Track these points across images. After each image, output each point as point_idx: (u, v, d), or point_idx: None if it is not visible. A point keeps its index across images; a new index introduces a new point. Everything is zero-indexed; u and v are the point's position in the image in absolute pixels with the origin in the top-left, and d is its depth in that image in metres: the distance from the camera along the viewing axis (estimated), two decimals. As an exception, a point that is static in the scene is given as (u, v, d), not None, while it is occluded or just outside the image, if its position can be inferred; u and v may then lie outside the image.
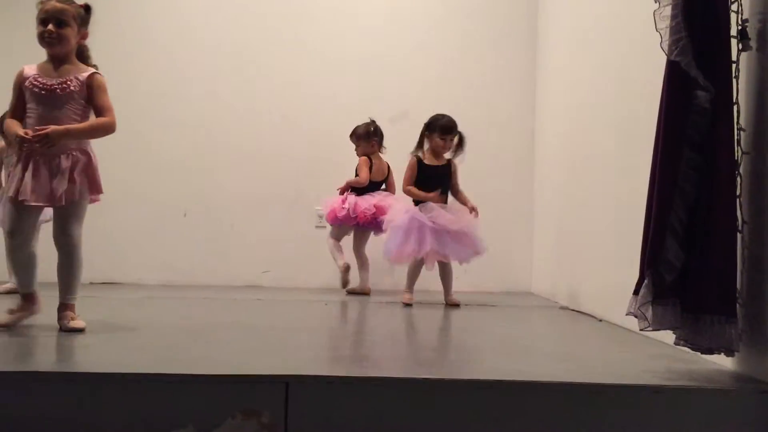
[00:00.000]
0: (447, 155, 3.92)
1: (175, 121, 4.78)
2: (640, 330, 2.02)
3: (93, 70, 2.67)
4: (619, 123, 3.13)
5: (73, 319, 2.61)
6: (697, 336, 1.95)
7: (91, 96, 2.64)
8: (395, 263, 3.96)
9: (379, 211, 4.19)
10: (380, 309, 3.69)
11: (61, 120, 2.56)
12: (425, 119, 3.98)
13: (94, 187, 2.65)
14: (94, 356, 2.18)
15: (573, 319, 3.36)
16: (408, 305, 3.77)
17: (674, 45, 1.97)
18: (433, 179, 3.84)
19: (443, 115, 3.87)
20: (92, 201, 2.67)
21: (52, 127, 2.49)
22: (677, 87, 1.98)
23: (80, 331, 2.55)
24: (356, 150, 4.39)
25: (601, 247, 3.34)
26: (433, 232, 3.70)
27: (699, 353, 2.02)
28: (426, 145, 3.89)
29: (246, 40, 4.86)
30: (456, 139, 3.86)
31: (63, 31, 2.60)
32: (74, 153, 2.59)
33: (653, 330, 2.00)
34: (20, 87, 2.61)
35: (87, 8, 2.69)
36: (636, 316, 2.01)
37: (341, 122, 4.77)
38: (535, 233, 4.78)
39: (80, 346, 2.32)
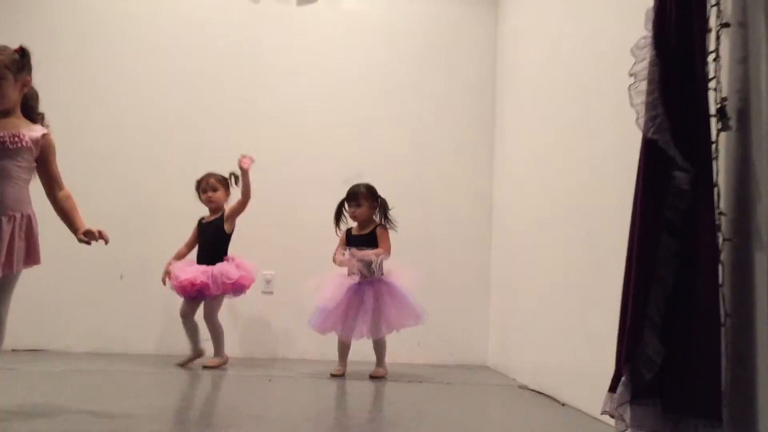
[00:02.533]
0: (375, 221, 3.92)
1: (113, 178, 4.51)
2: (617, 433, 1.82)
3: (44, 129, 2.43)
4: (584, 190, 3.00)
5: None
6: (679, 441, 1.77)
7: (45, 159, 2.42)
8: (320, 334, 3.83)
9: (202, 284, 3.79)
10: (321, 386, 3.43)
11: (10, 174, 2.30)
12: (383, 187, 3.95)
13: (32, 256, 2.38)
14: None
15: (533, 402, 3.16)
16: (336, 376, 3.70)
17: (651, 122, 1.84)
18: (357, 247, 3.81)
19: (355, 185, 3.91)
20: (26, 267, 2.39)
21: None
22: (654, 167, 1.84)
23: (-15, 419, 2.24)
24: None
25: (562, 323, 3.17)
26: (356, 308, 3.67)
27: (680, 458, 1.83)
28: None
29: (192, 99, 4.65)
30: (368, 206, 3.86)
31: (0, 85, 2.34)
32: (15, 215, 2.32)
33: (631, 433, 1.80)
34: None
35: (22, 52, 2.42)
36: (613, 416, 1.83)
37: (289, 185, 4.60)
38: (491, 305, 4.61)
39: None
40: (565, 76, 3.37)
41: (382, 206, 3.91)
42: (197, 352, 3.90)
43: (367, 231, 3.88)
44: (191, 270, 3.83)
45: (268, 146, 4.64)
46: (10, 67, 2.37)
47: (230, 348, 4.40)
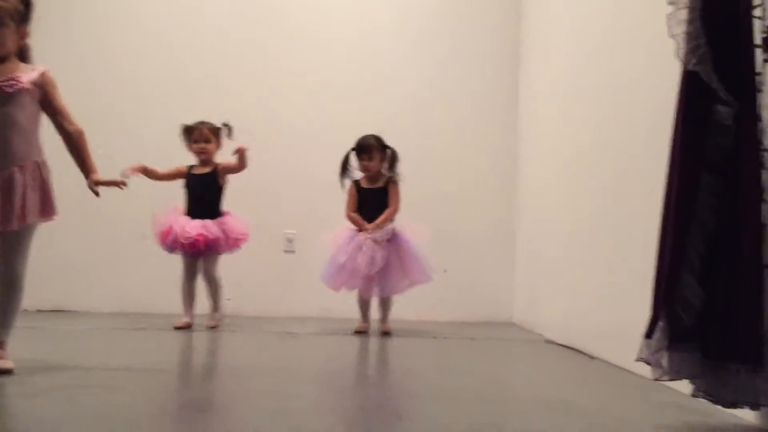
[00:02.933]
0: (384, 173, 3.80)
1: (136, 135, 4.46)
2: (654, 379, 1.76)
3: (42, 68, 2.36)
4: (614, 140, 2.90)
5: (1, 357, 2.27)
6: (719, 388, 1.70)
7: (47, 97, 2.34)
8: (333, 290, 3.75)
9: (206, 237, 3.60)
10: (343, 342, 3.40)
11: (15, 121, 2.24)
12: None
13: (47, 208, 2.33)
14: (14, 409, 1.86)
15: (562, 356, 3.10)
16: (360, 332, 3.66)
17: (692, 53, 1.73)
18: (369, 203, 3.75)
19: (363, 137, 3.78)
20: (43, 221, 2.34)
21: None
22: (695, 101, 1.74)
23: (8, 373, 2.21)
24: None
25: (590, 276, 3.09)
26: (368, 264, 3.56)
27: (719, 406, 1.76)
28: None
29: (211, 53, 4.57)
30: (379, 158, 3.75)
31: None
32: (26, 164, 2.26)
33: (669, 380, 1.74)
34: None
35: (27, 3, 2.35)
36: (649, 363, 1.75)
37: (308, 144, 4.53)
38: (516, 260, 4.53)
39: (8, 391, 1.99)
40: (594, 19, 3.24)
41: (392, 157, 3.78)
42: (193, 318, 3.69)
43: (378, 185, 3.77)
44: (195, 225, 3.61)
45: (286, 104, 4.56)
46: (13, 15, 2.30)
47: (252, 306, 4.40)
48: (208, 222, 3.65)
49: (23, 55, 2.39)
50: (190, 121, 3.83)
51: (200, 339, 3.36)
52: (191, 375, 2.52)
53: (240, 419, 1.77)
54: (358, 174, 3.83)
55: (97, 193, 2.42)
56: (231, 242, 3.70)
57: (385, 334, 3.67)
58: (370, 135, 3.78)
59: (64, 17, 4.39)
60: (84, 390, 2.01)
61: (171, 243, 3.62)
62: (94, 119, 4.37)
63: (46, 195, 2.32)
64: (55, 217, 2.37)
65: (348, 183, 3.82)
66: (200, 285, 3.76)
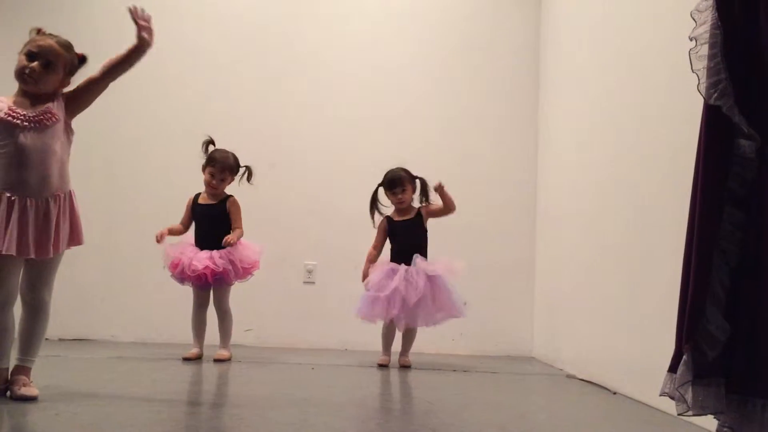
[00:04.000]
0: (415, 205, 3.82)
1: (157, 167, 4.54)
2: (679, 414, 1.73)
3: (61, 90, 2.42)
4: (635, 172, 2.91)
5: (25, 384, 2.30)
6: (744, 423, 1.66)
7: (77, 91, 2.41)
8: (368, 322, 3.72)
9: (214, 268, 3.56)
10: (364, 374, 3.39)
11: (54, 152, 2.31)
12: (424, 174, 3.84)
13: (75, 237, 2.38)
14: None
15: (584, 391, 3.07)
16: (383, 366, 3.64)
17: (713, 88, 1.74)
18: (403, 235, 3.75)
19: (391, 170, 3.79)
20: (68, 248, 2.40)
21: None
22: (717, 135, 1.74)
23: (32, 399, 2.24)
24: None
25: (611, 311, 3.07)
26: (403, 296, 3.55)
27: (745, 442, 1.73)
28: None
29: (235, 91, 4.65)
30: (411, 190, 3.77)
31: (47, 74, 2.35)
32: (60, 195, 2.32)
33: (693, 415, 1.71)
34: None
35: (82, 59, 2.47)
36: (673, 398, 1.73)
37: (329, 175, 4.57)
38: (536, 294, 4.51)
39: (30, 422, 2.01)
40: (616, 52, 3.27)
41: (423, 186, 3.78)
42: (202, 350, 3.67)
43: (411, 215, 3.78)
44: (203, 257, 3.58)
45: (306, 136, 4.62)
46: (66, 65, 2.40)
47: (272, 338, 4.41)
48: (215, 253, 3.60)
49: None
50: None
51: (219, 370, 3.37)
52: (213, 406, 2.53)
53: (261, 449, 1.77)
54: (386, 210, 3.83)
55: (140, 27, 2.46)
56: (240, 272, 3.65)
57: (405, 366, 3.65)
58: (398, 168, 3.78)
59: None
60: (105, 419, 2.02)
61: (180, 274, 3.62)
62: (118, 158, 4.52)
63: (74, 224, 2.38)
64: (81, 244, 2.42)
65: (378, 218, 3.80)
66: (212, 316, 3.75)
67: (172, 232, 3.70)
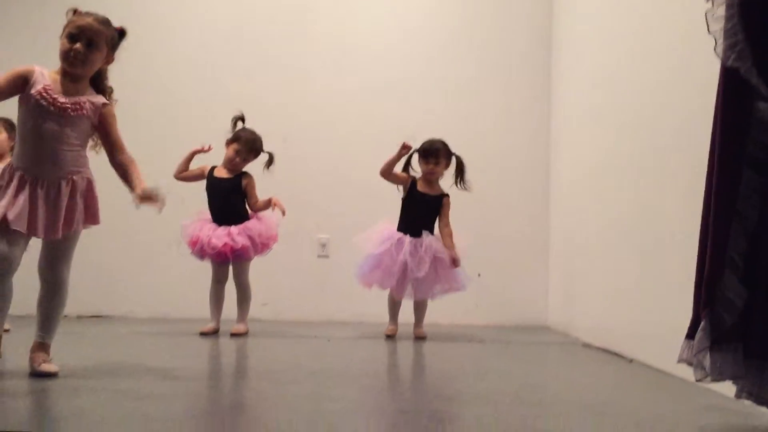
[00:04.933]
0: (443, 187, 3.74)
1: (171, 146, 4.51)
2: (697, 380, 1.73)
3: (104, 100, 2.42)
4: (650, 137, 2.87)
5: (45, 361, 2.32)
6: (763, 388, 1.66)
7: (105, 128, 2.40)
8: (364, 287, 3.70)
9: (233, 245, 3.57)
10: (379, 346, 3.41)
11: (67, 139, 2.30)
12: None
13: (91, 217, 2.39)
14: (57, 410, 1.90)
15: (599, 359, 3.07)
16: (390, 337, 3.63)
17: (730, 50, 1.70)
18: (419, 206, 3.68)
19: (430, 140, 3.71)
20: (86, 227, 2.40)
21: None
22: (735, 98, 1.71)
23: (52, 375, 2.26)
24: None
25: (627, 278, 3.06)
26: (404, 265, 3.53)
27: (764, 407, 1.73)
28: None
29: (247, 66, 4.63)
30: (445, 164, 3.69)
31: (92, 54, 2.33)
32: (74, 178, 2.32)
33: (712, 381, 1.71)
34: (21, 82, 2.29)
35: (122, 33, 2.44)
36: (691, 365, 1.72)
37: (341, 149, 4.56)
38: (550, 263, 4.50)
39: (53, 392, 2.03)
40: (628, 18, 3.21)
41: (459, 166, 3.70)
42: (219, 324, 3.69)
43: (434, 193, 3.70)
44: (222, 234, 3.59)
45: (318, 108, 4.60)
46: (108, 41, 2.37)
47: (287, 311, 4.44)
48: (233, 229, 3.61)
49: (100, 77, 2.45)
50: (223, 130, 3.81)
51: (237, 344, 3.39)
52: (229, 379, 2.55)
53: (278, 422, 1.78)
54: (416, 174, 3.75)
55: (145, 200, 2.41)
56: (259, 247, 3.67)
57: (420, 338, 3.66)
58: (437, 139, 3.71)
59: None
60: (124, 393, 2.05)
61: (199, 251, 3.64)
62: (133, 134, 4.49)
63: (92, 206, 2.38)
64: (97, 225, 2.42)
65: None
66: (229, 291, 3.78)
67: (178, 171, 3.74)
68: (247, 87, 4.57)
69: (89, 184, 2.38)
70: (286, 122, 4.51)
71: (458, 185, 3.71)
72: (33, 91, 2.29)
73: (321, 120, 4.60)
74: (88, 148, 2.43)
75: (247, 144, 3.71)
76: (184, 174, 3.75)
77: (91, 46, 2.32)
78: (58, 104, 2.29)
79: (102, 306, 4.45)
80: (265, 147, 3.80)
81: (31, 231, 2.26)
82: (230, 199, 3.71)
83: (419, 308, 3.76)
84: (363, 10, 4.69)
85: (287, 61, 4.63)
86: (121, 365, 2.59)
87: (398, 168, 3.70)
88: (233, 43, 4.64)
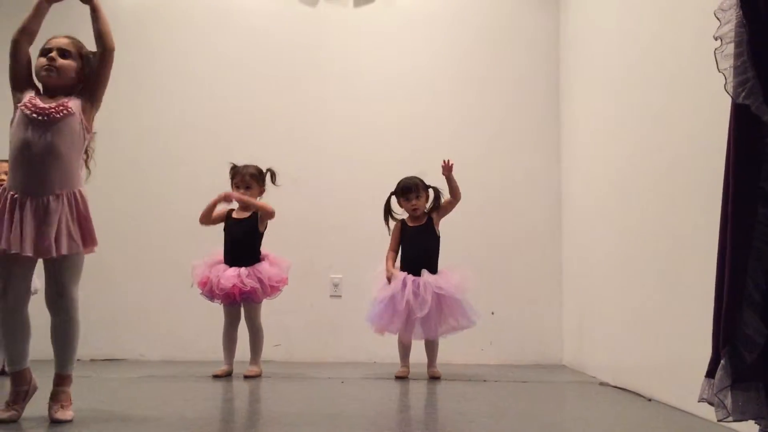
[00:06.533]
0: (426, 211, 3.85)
1: (182, 185, 4.57)
2: (719, 421, 1.70)
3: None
4: (663, 171, 2.86)
5: (62, 407, 2.31)
6: (787, 427, 1.63)
7: (88, 83, 2.42)
8: (377, 333, 3.73)
9: (242, 287, 3.59)
10: (394, 386, 3.37)
11: (57, 149, 2.31)
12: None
13: (86, 238, 2.33)
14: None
15: (618, 398, 3.02)
16: (400, 378, 3.62)
17: (740, 86, 1.71)
18: (415, 239, 3.77)
19: (405, 178, 3.84)
20: (84, 252, 2.35)
21: None
22: (747, 134, 1.71)
23: (66, 422, 2.25)
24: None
25: (643, 315, 3.03)
26: (408, 305, 3.55)
27: (789, 448, 1.69)
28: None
29: (258, 101, 4.69)
30: (425, 197, 3.81)
31: (65, 59, 2.40)
32: (63, 195, 2.30)
33: (734, 421, 1.68)
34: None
35: (95, 54, 2.47)
36: (712, 404, 1.69)
37: (353, 188, 4.58)
38: (564, 300, 4.46)
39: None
40: (638, 47, 3.23)
41: (436, 194, 3.83)
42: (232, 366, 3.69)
43: (423, 222, 3.81)
44: (230, 274, 3.61)
45: (329, 148, 4.64)
46: (80, 53, 2.44)
47: (300, 352, 4.41)
48: (243, 271, 3.63)
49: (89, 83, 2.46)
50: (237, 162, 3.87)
51: (250, 386, 3.37)
52: (246, 424, 2.52)
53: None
54: (399, 216, 3.87)
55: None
56: (269, 290, 3.68)
57: (434, 378, 3.63)
58: (412, 176, 3.83)
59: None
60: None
61: (209, 292, 3.65)
62: (147, 176, 4.57)
63: (84, 225, 2.33)
64: (95, 249, 2.36)
65: (393, 223, 3.85)
66: (242, 333, 3.76)
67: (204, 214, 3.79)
68: (257, 126, 4.63)
69: (81, 201, 2.34)
70: (296, 162, 4.54)
71: (436, 206, 3.82)
72: (19, 104, 2.35)
73: (331, 159, 4.63)
74: (80, 165, 2.39)
75: (240, 172, 3.79)
76: (207, 220, 3.79)
77: (64, 55, 2.40)
78: (42, 109, 2.32)
79: (115, 349, 4.45)
80: (276, 187, 3.83)
81: (23, 249, 2.22)
82: (245, 238, 3.75)
83: (430, 348, 3.75)
84: (376, 50, 4.74)
85: (298, 100, 4.68)
86: (134, 411, 2.57)
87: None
88: (244, 82, 4.70)
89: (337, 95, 4.70)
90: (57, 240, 2.26)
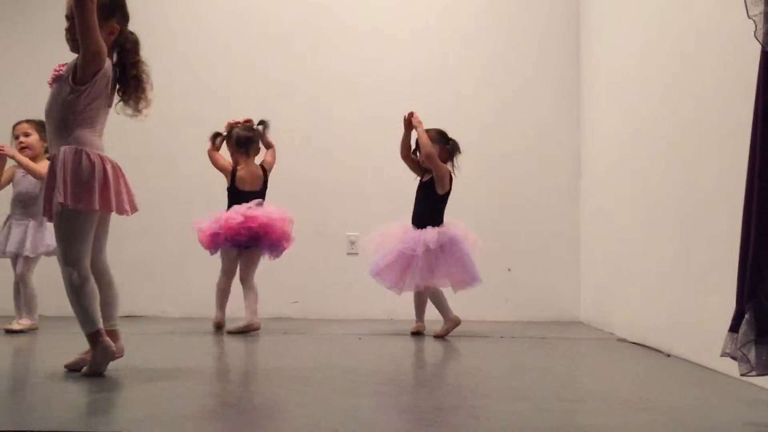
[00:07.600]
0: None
1: (202, 145, 4.55)
2: (742, 375, 1.69)
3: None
4: (687, 127, 2.81)
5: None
6: (812, 382, 1.62)
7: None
8: (392, 290, 3.69)
9: (250, 221, 3.59)
10: (411, 342, 3.39)
11: (51, 111, 2.33)
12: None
13: (70, 196, 2.22)
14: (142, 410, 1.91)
15: (637, 354, 3.02)
16: (415, 334, 3.63)
17: (771, 34, 1.66)
18: (418, 196, 3.73)
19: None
20: (84, 210, 2.25)
21: None
22: (776, 83, 1.67)
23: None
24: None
25: (663, 271, 3.00)
26: (418, 262, 3.52)
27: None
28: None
29: (269, 63, 4.65)
30: (439, 149, 3.69)
31: (72, 26, 2.29)
32: (56, 156, 2.28)
33: (757, 375, 1.67)
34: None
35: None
36: (735, 358, 1.68)
37: (369, 144, 4.54)
38: (582, 257, 4.44)
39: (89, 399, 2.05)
40: (662, 3, 3.15)
41: (453, 149, 3.71)
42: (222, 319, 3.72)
43: (427, 178, 3.71)
44: (240, 212, 3.60)
45: (344, 106, 4.61)
46: (72, 12, 2.28)
47: (318, 309, 4.44)
48: (259, 210, 3.62)
49: (124, 51, 2.40)
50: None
51: (268, 342, 3.40)
52: (263, 377, 2.55)
53: (315, 419, 1.77)
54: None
55: None
56: (276, 237, 3.62)
57: (438, 337, 3.56)
58: (431, 129, 3.73)
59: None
60: (162, 391, 2.05)
61: (213, 236, 3.63)
62: (163, 135, 4.56)
63: (71, 182, 2.24)
64: (94, 207, 2.27)
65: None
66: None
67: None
68: (271, 87, 4.59)
69: (71, 156, 2.25)
70: (310, 121, 4.51)
71: (450, 165, 3.71)
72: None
73: (347, 119, 4.60)
74: (77, 123, 2.29)
75: (236, 141, 3.79)
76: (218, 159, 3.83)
77: (67, 20, 2.31)
78: (54, 73, 2.36)
79: (135, 306, 4.49)
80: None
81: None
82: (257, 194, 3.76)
83: (435, 303, 3.66)
84: (392, 6, 4.66)
85: (311, 59, 4.63)
86: (156, 365, 2.61)
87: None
88: (256, 39, 4.66)
89: (351, 51, 4.64)
90: (47, 201, 2.31)
